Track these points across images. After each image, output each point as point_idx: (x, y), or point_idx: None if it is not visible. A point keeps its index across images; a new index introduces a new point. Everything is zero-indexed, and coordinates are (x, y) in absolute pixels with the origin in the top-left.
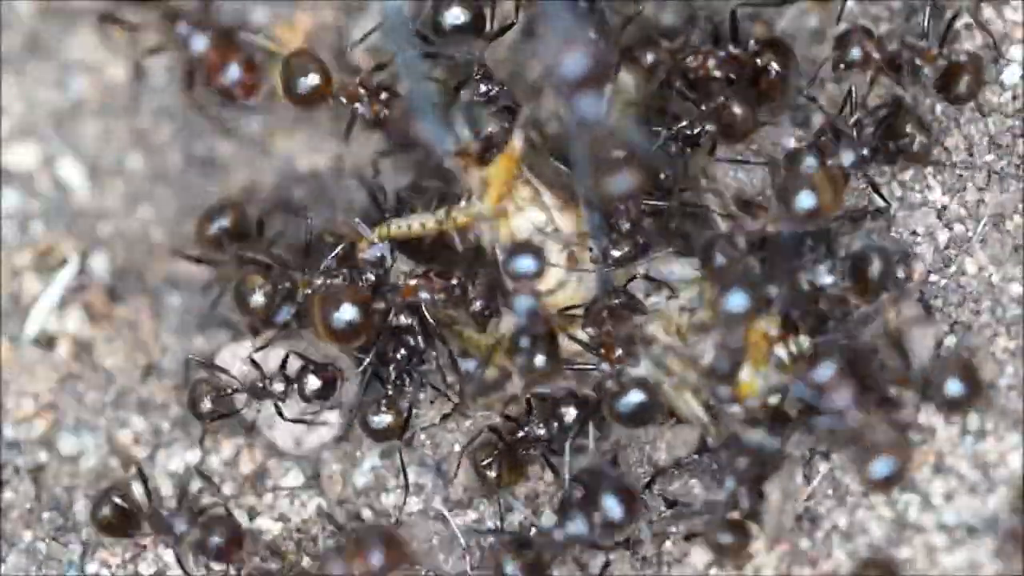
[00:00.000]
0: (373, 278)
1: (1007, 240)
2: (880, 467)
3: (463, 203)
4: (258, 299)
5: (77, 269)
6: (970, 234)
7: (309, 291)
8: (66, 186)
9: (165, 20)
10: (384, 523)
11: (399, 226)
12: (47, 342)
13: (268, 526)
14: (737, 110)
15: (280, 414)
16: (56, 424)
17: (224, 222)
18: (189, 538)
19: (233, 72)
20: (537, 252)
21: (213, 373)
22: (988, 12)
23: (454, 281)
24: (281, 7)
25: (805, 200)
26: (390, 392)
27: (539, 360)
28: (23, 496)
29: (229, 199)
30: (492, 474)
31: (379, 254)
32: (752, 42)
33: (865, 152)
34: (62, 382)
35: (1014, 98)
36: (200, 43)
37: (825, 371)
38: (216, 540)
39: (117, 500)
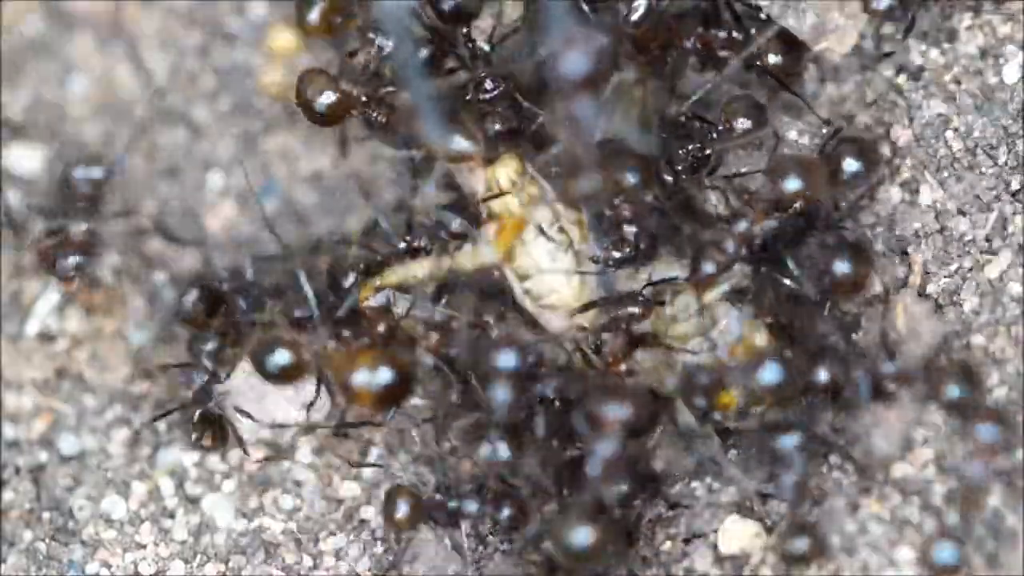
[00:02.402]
0: (384, 329)
1: (1008, 240)
2: None
3: (469, 247)
4: (281, 361)
5: None
6: (970, 234)
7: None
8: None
9: None
10: None
11: (401, 273)
12: (47, 341)
13: (270, 525)
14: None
15: (250, 416)
16: (56, 424)
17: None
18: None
19: None
20: (522, 350)
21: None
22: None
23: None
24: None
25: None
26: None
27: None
28: (23, 496)
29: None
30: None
31: (385, 301)
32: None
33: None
34: (62, 381)
35: (1013, 98)
36: None
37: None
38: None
39: None
